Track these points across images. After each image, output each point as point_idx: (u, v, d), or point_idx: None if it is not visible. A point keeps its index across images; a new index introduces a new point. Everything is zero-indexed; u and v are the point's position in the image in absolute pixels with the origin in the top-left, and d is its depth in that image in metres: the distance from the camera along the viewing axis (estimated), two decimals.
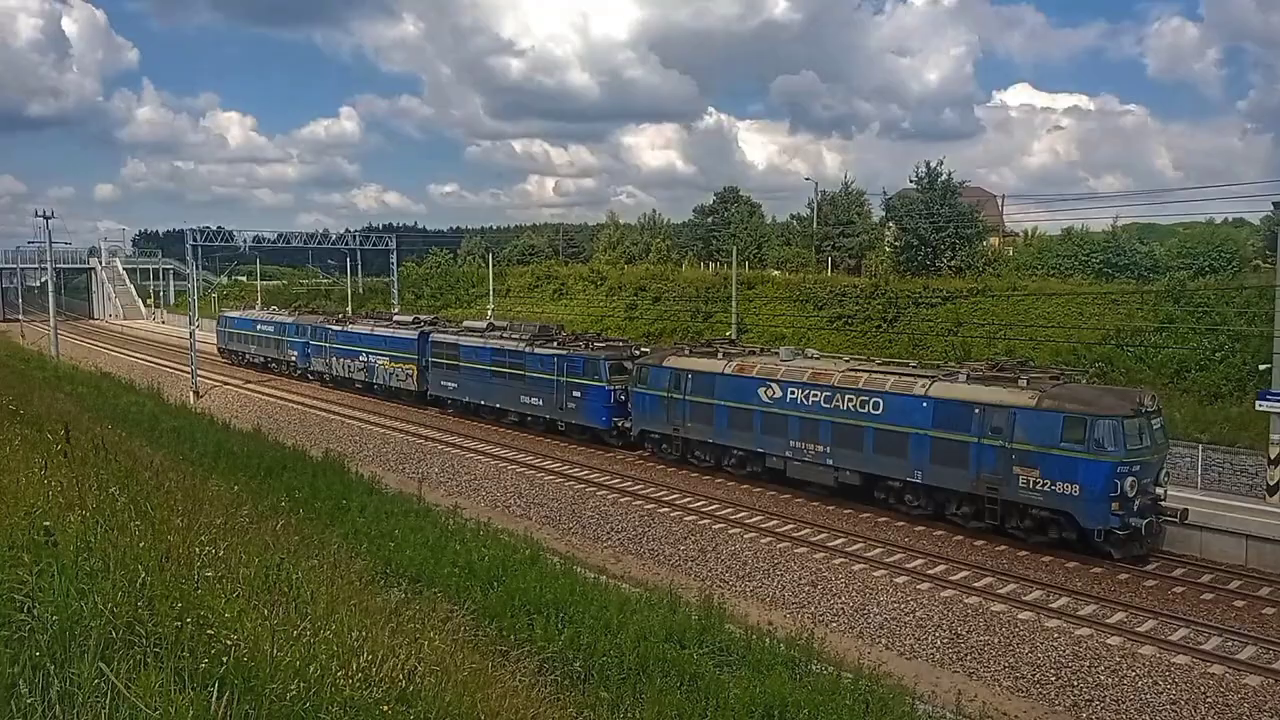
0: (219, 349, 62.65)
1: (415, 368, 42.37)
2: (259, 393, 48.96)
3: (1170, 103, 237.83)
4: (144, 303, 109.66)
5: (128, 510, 8.87)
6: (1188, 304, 37.05)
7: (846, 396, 24.71)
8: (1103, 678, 15.67)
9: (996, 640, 17.18)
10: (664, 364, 30.33)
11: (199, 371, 50.00)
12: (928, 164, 55.57)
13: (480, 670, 9.17)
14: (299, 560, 10.42)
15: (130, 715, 4.51)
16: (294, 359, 52.94)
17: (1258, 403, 24.68)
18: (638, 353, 33.67)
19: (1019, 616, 17.95)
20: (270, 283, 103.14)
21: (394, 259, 60.55)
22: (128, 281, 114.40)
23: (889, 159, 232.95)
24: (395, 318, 48.35)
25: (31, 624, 5.20)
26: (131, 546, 7.09)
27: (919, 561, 21.18)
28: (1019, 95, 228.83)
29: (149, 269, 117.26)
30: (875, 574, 20.47)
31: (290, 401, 46.01)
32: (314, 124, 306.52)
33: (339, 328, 48.93)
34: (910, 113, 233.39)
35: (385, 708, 5.84)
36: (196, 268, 61.57)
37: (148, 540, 7.55)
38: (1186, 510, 21.06)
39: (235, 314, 64.22)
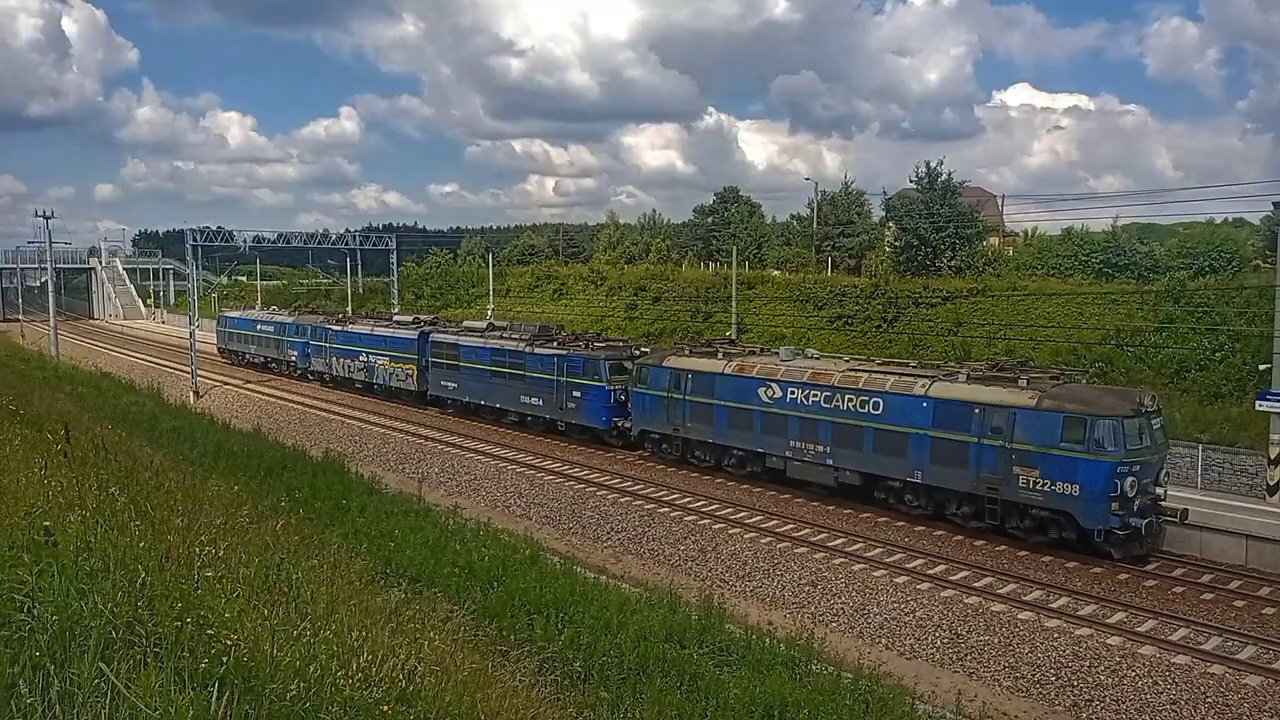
0: (219, 349, 62.65)
1: (415, 368, 42.37)
2: (259, 393, 48.96)
3: (1170, 103, 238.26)
4: (144, 303, 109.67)
5: (128, 510, 8.87)
6: (1188, 304, 37.04)
7: (846, 396, 24.72)
8: (1103, 678, 15.68)
9: (996, 640, 17.19)
10: (664, 364, 30.33)
11: (199, 371, 50.00)
12: (928, 164, 55.68)
13: (480, 670, 9.16)
14: (299, 560, 10.41)
15: (130, 715, 4.51)
16: (294, 359, 52.94)
17: (1258, 403, 24.69)
18: (638, 353, 33.66)
19: (1019, 616, 17.95)
20: (270, 283, 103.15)
21: (394, 259, 60.58)
22: (128, 281, 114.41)
23: (889, 159, 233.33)
24: (395, 318, 48.35)
25: (31, 624, 5.20)
26: (131, 546, 7.09)
27: (919, 561, 21.18)
28: (1019, 95, 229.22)
29: (149, 269, 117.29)
30: (875, 574, 20.47)
31: (290, 401, 46.01)
32: (314, 124, 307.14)
33: (339, 328, 48.92)
34: (910, 113, 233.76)
35: (385, 708, 5.84)
36: (196, 268, 61.58)
37: (148, 540, 7.55)
38: (1186, 510, 21.06)
39: (235, 314, 64.23)
